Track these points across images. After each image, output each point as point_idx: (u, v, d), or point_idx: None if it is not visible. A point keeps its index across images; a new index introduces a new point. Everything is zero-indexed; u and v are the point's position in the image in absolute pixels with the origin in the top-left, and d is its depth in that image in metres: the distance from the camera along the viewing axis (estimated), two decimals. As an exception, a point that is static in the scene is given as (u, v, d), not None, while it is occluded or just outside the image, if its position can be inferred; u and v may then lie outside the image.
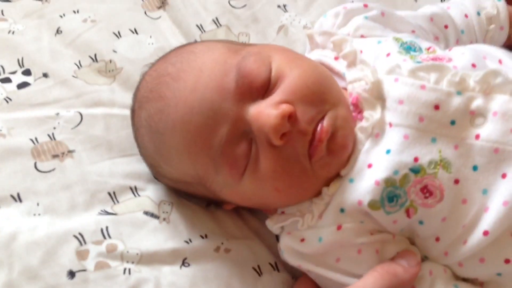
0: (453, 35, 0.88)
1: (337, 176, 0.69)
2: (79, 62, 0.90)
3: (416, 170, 0.66)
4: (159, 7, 0.98)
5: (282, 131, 0.64)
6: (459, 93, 0.67)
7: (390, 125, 0.68)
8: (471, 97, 0.67)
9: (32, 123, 0.82)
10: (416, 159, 0.66)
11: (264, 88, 0.67)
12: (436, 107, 0.67)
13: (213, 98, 0.67)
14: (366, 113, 0.69)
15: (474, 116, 0.67)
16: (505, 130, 0.65)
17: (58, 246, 0.71)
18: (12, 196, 0.75)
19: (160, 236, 0.75)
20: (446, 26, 0.87)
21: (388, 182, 0.66)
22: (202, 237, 0.75)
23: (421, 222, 0.67)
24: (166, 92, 0.70)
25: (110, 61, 0.90)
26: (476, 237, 0.65)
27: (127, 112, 0.82)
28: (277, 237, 0.76)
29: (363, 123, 0.69)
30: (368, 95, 0.69)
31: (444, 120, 0.67)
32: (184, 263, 0.73)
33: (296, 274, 0.75)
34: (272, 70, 0.68)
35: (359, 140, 0.69)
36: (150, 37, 0.94)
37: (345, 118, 0.69)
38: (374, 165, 0.67)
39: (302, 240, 0.70)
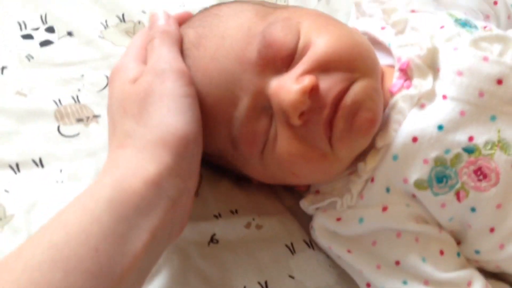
0: (504, 11, 0.81)
1: (372, 148, 0.64)
2: (106, 21, 0.85)
3: (470, 150, 0.61)
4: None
5: (302, 109, 0.58)
6: None
7: (444, 97, 0.63)
8: None
9: (56, 83, 0.77)
10: (471, 139, 0.61)
11: (289, 59, 0.61)
12: (499, 81, 0.62)
13: (233, 69, 0.61)
14: (415, 81, 0.63)
15: None
16: None
17: (81, 215, 0.67)
18: (34, 161, 0.71)
19: (189, 210, 0.71)
20: (495, 2, 0.81)
21: (438, 161, 0.61)
22: (232, 212, 0.71)
23: (473, 209, 0.63)
24: (186, 60, 0.64)
25: (139, 22, 0.85)
26: None
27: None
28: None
29: (410, 91, 0.63)
30: (421, 62, 0.63)
31: (506, 96, 0.62)
32: (212, 239, 0.69)
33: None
34: (300, 38, 0.61)
35: (400, 110, 0.63)
36: (182, -2, 0.89)
37: (376, 90, 0.62)
38: (420, 140, 0.62)
39: (339, 219, 0.66)
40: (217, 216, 0.70)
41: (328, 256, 0.71)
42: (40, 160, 0.71)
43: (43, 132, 0.73)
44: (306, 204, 0.69)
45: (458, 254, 0.67)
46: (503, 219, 0.62)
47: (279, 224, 0.72)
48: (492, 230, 0.63)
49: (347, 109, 0.59)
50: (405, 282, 0.64)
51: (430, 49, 0.64)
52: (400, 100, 0.63)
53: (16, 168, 0.70)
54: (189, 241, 0.68)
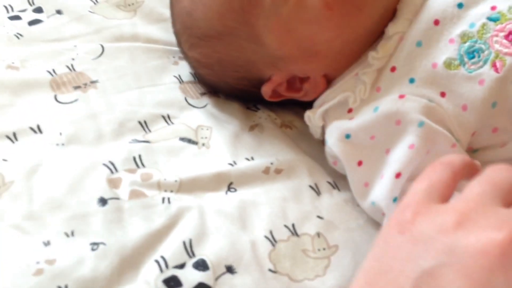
0: None
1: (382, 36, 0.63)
2: (95, -3, 0.83)
3: (495, 18, 0.59)
4: None
5: None
6: None
7: None
8: None
9: (48, 55, 0.74)
10: (493, 8, 0.60)
11: None
12: None
13: None
14: None
15: None
16: None
17: (85, 175, 0.62)
18: (32, 128, 0.66)
19: (200, 161, 0.65)
20: None
21: (465, 37, 0.60)
22: (248, 159, 0.66)
23: None
24: None
25: (130, -6, 0.83)
26: None
27: (153, 45, 0.76)
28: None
29: None
30: None
31: None
32: (229, 188, 0.64)
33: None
34: None
35: (414, 3, 0.62)
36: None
37: None
38: (442, 21, 0.61)
39: (352, 118, 0.63)
40: (232, 164, 0.65)
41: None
42: (38, 127, 0.66)
43: (39, 101, 0.69)
44: (311, 114, 0.66)
45: None
46: None
47: (299, 166, 0.67)
48: None
49: None
50: None
51: None
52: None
53: (13, 137, 0.65)
54: (205, 192, 0.63)
